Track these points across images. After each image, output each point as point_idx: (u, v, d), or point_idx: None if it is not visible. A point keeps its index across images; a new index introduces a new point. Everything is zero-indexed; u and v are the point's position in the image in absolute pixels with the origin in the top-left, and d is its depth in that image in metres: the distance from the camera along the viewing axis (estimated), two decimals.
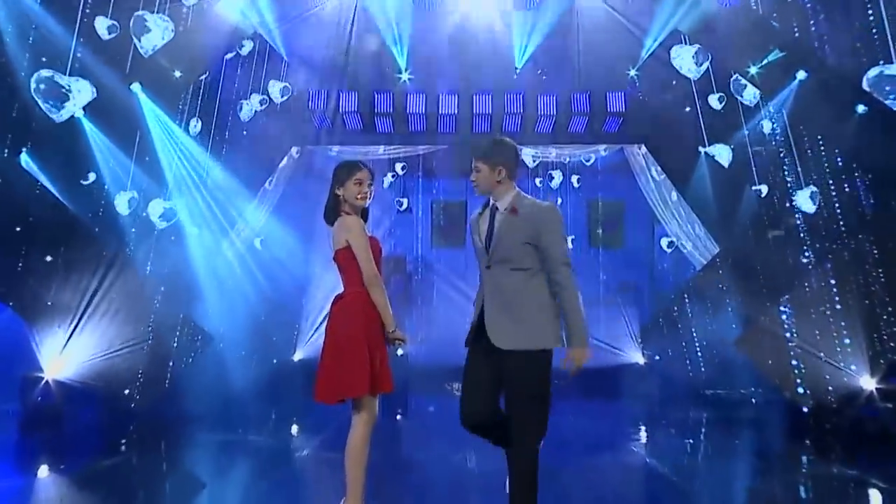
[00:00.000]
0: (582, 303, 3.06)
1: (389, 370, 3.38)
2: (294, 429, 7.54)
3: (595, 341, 10.64)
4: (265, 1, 8.13)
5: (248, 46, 8.43)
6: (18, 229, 6.66)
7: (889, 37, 5.16)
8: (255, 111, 8.45)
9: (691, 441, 7.03)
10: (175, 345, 7.87)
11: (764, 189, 7.97)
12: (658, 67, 8.72)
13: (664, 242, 10.42)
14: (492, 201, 3.24)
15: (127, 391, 7.28)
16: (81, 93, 5.70)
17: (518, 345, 3.03)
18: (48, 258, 6.86)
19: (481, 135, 9.91)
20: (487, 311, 3.10)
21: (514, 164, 3.23)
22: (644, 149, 9.97)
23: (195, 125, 8.00)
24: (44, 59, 6.11)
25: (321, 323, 9.50)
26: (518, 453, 3.04)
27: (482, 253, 3.19)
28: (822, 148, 7.38)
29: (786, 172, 7.63)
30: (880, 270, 6.89)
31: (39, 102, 5.51)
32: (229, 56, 8.28)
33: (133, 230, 7.39)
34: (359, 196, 3.37)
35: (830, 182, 7.30)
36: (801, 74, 7.47)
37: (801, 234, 7.64)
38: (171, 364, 7.77)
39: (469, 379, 3.17)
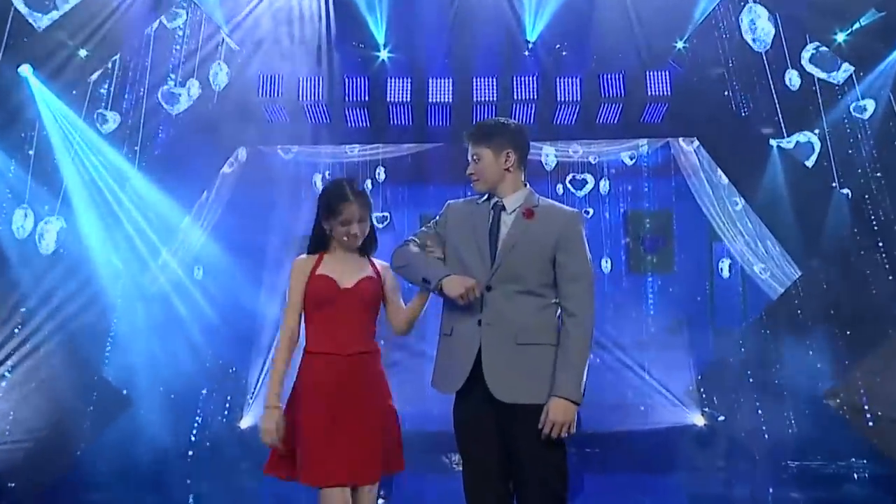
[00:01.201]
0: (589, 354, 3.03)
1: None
2: None
3: (640, 396, 10.60)
4: None
5: (179, 19, 8.21)
6: None
7: None
8: (190, 101, 8.17)
9: None
10: (80, 413, 7.69)
11: (848, 192, 7.82)
12: (714, 38, 8.53)
13: (725, 265, 10.32)
14: (496, 197, 3.18)
15: (10, 484, 6.91)
16: None
17: (531, 397, 2.95)
18: None
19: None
20: (486, 350, 2.99)
21: (525, 150, 3.20)
22: (696, 143, 9.83)
23: (108, 120, 7.77)
24: None
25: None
26: None
27: (479, 266, 3.06)
28: None
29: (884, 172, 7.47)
30: None
31: None
32: (152, 29, 8.00)
33: (18, 258, 7.16)
34: (345, 238, 3.37)
35: None
36: None
37: None
38: (72, 440, 7.58)
39: (476, 453, 3.08)
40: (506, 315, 3.00)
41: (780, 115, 8.12)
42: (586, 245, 3.13)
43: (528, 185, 3.22)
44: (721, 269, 10.39)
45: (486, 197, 3.21)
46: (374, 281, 3.39)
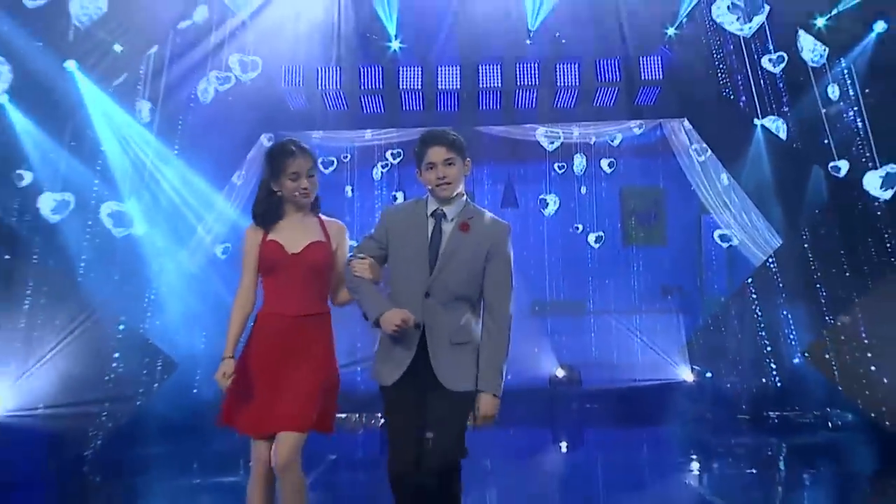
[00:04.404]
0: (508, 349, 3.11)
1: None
2: None
3: (635, 356, 10.81)
4: None
5: (201, 12, 8.14)
6: None
7: None
8: (217, 91, 8.28)
9: (755, 473, 6.93)
10: (133, 375, 7.86)
11: (843, 166, 7.72)
12: (702, 25, 8.56)
13: (715, 236, 10.35)
14: (436, 205, 3.14)
15: (76, 430, 7.19)
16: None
17: (458, 385, 3.05)
18: None
19: (488, 113, 9.85)
20: (431, 349, 3.06)
21: None
22: (687, 124, 9.88)
23: (144, 109, 7.88)
24: None
25: None
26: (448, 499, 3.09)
27: (418, 273, 3.07)
28: None
29: (864, 148, 7.45)
30: None
31: None
32: (182, 25, 8.07)
33: (74, 237, 7.31)
34: (297, 193, 3.25)
35: None
36: (881, 26, 7.29)
37: (881, 223, 7.51)
38: (129, 396, 7.78)
39: (401, 425, 3.13)
40: (441, 320, 3.05)
41: (764, 96, 8.17)
42: (511, 255, 3.15)
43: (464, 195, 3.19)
44: (713, 239, 10.42)
45: (424, 201, 3.16)
46: (322, 245, 3.28)
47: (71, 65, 7.19)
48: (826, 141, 7.75)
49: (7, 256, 7.03)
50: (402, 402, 3.10)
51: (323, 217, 3.37)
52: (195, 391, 8.48)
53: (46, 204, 6.96)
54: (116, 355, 7.66)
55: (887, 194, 7.08)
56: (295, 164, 3.20)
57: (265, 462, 3.12)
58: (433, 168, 3.08)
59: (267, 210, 3.29)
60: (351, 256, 3.20)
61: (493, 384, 3.04)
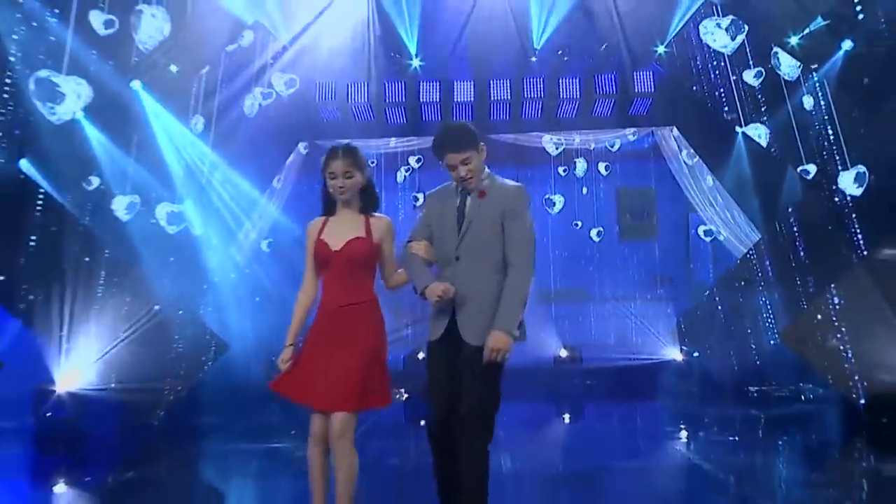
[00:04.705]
0: (526, 299, 3.05)
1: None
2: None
3: (630, 338, 10.89)
4: None
5: (248, 37, 8.39)
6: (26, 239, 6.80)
7: None
8: (260, 105, 8.47)
9: (738, 440, 6.97)
10: (191, 355, 8.01)
11: (812, 169, 7.78)
12: (689, 43, 8.63)
13: (700, 231, 10.37)
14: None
15: (143, 402, 7.44)
16: (80, 93, 5.78)
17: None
18: (59, 267, 7.01)
19: (499, 123, 9.92)
20: (458, 310, 3.08)
21: None
22: (676, 131, 9.95)
23: (198, 122, 8.04)
24: (41, 58, 6.20)
25: None
26: (470, 453, 3.04)
27: (449, 240, 3.13)
28: (875, 122, 7.21)
29: (834, 151, 7.47)
30: None
31: (38, 104, 5.60)
32: (230, 48, 8.28)
33: (139, 234, 7.46)
34: (333, 190, 3.24)
35: (882, 159, 7.12)
36: (848, 44, 7.29)
37: (849, 219, 7.43)
38: (187, 373, 7.93)
39: (436, 377, 3.15)
40: (470, 280, 3.07)
41: (741, 108, 8.21)
42: (528, 213, 3.11)
43: (486, 168, 3.18)
44: (697, 234, 10.46)
45: (454, 184, 3.17)
46: (361, 241, 3.22)
47: (136, 84, 7.38)
48: (799, 146, 7.77)
49: (87, 258, 7.15)
50: (439, 356, 3.16)
51: (373, 215, 3.32)
52: (244, 369, 8.62)
53: (120, 205, 7.09)
54: (177, 338, 7.85)
55: (859, 191, 7.07)
56: (332, 164, 3.21)
57: (316, 434, 3.16)
58: (454, 169, 3.11)
59: (323, 202, 3.34)
60: (409, 239, 3.27)
61: (504, 322, 2.98)
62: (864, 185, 6.99)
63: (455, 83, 9.55)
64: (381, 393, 3.21)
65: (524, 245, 3.08)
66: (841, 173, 7.15)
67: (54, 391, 6.97)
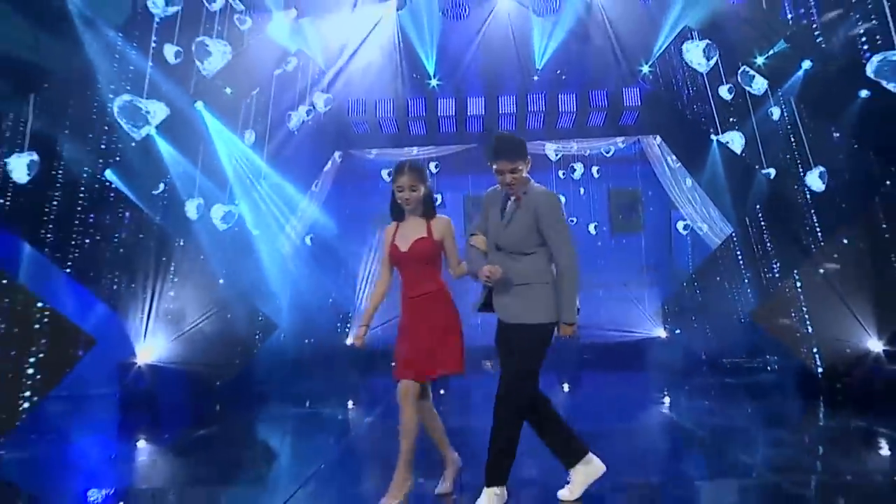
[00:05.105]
0: (577, 285, 3.18)
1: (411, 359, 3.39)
2: (350, 403, 7.93)
3: (621, 317, 10.93)
4: (308, 24, 8.37)
5: (293, 63, 8.67)
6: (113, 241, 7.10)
7: (890, 25, 5.22)
8: (302, 121, 8.74)
9: (714, 405, 7.09)
10: (247, 334, 8.25)
11: (772, 172, 7.94)
12: (670, 63, 8.83)
13: (680, 225, 10.47)
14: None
15: (208, 373, 7.71)
16: (157, 113, 6.10)
17: (519, 319, 3.20)
18: (143, 262, 7.26)
19: (506, 134, 10.02)
20: (494, 290, 3.24)
21: None
22: (659, 139, 10.10)
23: (250, 136, 8.32)
24: (123, 84, 6.52)
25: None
26: (503, 407, 3.18)
27: (496, 232, 3.27)
28: (831, 131, 7.38)
29: (796, 155, 7.64)
30: (887, 237, 6.88)
31: (122, 123, 5.92)
32: (278, 72, 8.56)
33: (204, 232, 7.76)
34: (400, 202, 3.43)
35: (837, 162, 7.31)
36: (807, 64, 7.42)
37: (811, 211, 7.61)
38: (242, 349, 8.16)
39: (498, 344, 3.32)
40: (507, 266, 3.21)
41: (716, 118, 8.37)
42: (558, 215, 3.19)
43: (528, 176, 3.28)
44: (678, 228, 10.61)
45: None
46: (425, 241, 3.39)
47: (199, 105, 7.67)
48: (760, 152, 7.92)
49: (160, 252, 7.41)
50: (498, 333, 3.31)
51: (435, 217, 3.48)
52: (290, 346, 8.95)
53: (192, 207, 7.34)
54: (234, 319, 8.02)
55: (823, 187, 7.23)
56: (400, 179, 3.41)
57: (411, 397, 3.35)
58: (502, 174, 3.19)
59: (392, 210, 3.54)
60: (471, 233, 3.42)
61: (565, 315, 3.16)
62: (826, 183, 7.17)
63: (468, 99, 9.76)
64: (456, 361, 3.36)
65: (561, 239, 3.18)
66: (808, 173, 7.23)
67: (136, 364, 7.28)
